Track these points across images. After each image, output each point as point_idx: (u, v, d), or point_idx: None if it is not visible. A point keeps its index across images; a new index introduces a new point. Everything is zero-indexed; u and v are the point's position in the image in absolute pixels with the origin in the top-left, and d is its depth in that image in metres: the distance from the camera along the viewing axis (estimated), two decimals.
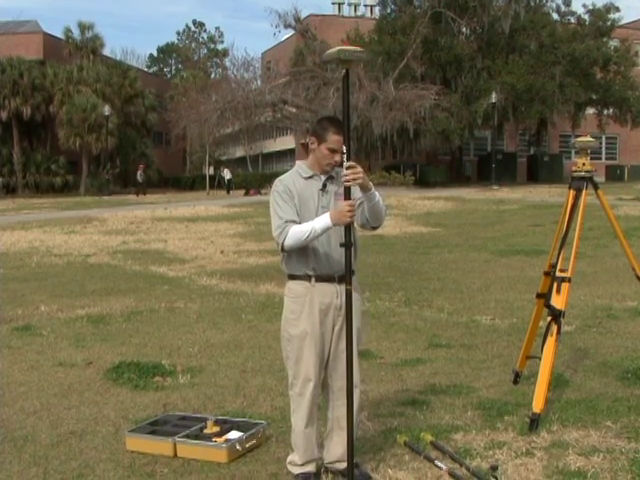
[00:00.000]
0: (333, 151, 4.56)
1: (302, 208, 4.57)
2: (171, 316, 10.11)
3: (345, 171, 4.36)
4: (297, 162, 4.82)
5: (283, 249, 4.56)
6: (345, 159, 4.40)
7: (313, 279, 4.59)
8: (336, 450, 4.75)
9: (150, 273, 14.33)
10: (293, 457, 4.74)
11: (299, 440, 4.69)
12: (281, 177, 4.73)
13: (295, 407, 4.70)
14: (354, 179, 4.33)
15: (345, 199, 4.38)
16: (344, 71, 4.42)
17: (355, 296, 4.59)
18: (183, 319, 9.90)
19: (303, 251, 4.57)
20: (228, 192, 49.70)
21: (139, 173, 52.26)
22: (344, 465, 4.65)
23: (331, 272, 4.60)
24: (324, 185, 4.63)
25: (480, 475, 4.57)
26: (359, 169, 4.35)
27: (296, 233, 4.46)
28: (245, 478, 4.78)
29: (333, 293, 4.60)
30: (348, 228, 4.38)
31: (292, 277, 4.69)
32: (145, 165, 54.53)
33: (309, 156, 4.72)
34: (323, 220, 4.42)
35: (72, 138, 53.81)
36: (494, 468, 4.54)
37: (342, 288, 4.55)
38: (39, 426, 5.86)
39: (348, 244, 4.39)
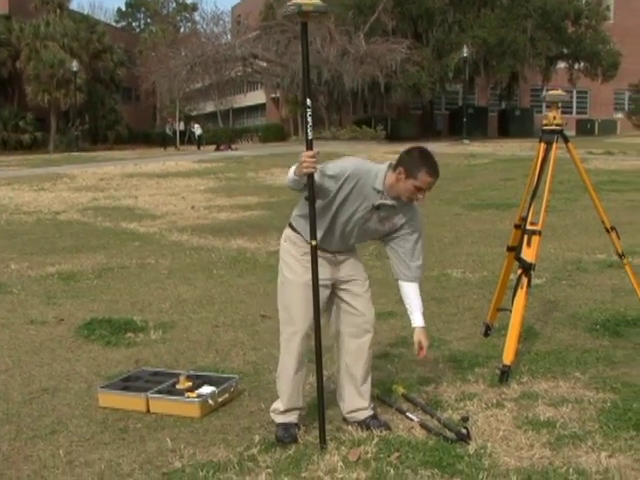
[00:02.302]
0: (419, 189, 4.46)
1: (347, 201, 4.47)
2: (142, 272, 10.08)
3: (305, 157, 4.25)
4: (383, 168, 4.52)
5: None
6: (309, 117, 4.36)
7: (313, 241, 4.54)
8: (352, 400, 4.76)
9: (121, 229, 14.26)
10: (277, 405, 4.73)
11: (285, 386, 4.67)
12: (362, 167, 4.52)
13: (283, 353, 4.69)
14: (307, 168, 4.25)
15: (307, 149, 4.33)
16: (301, 24, 4.37)
17: (354, 252, 4.80)
18: (154, 275, 9.88)
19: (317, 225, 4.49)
20: (199, 147, 49.43)
21: (167, 127, 51.98)
22: (364, 414, 4.73)
23: (330, 249, 4.64)
24: (379, 206, 4.51)
25: (451, 426, 4.61)
26: (316, 161, 4.27)
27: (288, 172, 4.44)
28: (218, 432, 4.80)
29: (331, 259, 4.66)
30: (311, 182, 4.33)
31: (295, 230, 4.68)
32: (172, 119, 54.08)
33: (392, 179, 4.49)
34: (292, 169, 4.39)
35: (40, 94, 53.10)
36: (465, 419, 4.59)
37: (338, 256, 4.67)
38: (11, 384, 5.84)
39: (311, 198, 4.35)
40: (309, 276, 4.48)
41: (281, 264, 4.75)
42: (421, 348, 4.73)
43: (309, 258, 4.47)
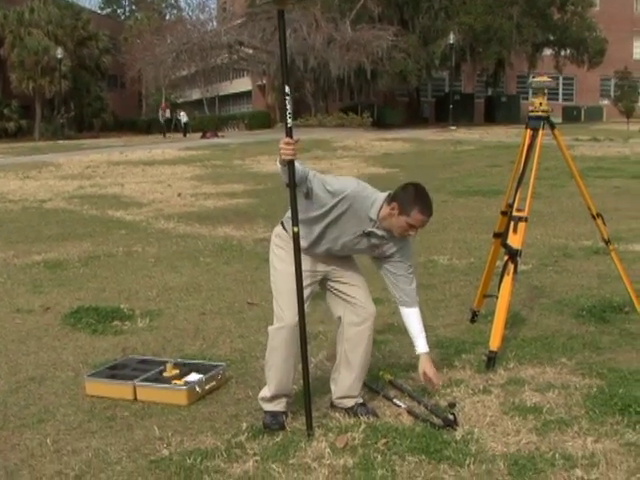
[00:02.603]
0: (411, 227, 4.44)
1: (340, 220, 4.47)
2: (129, 260, 10.06)
3: (282, 144, 4.24)
4: (381, 197, 4.48)
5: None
6: (288, 105, 4.37)
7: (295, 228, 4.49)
8: (344, 384, 4.77)
9: (107, 217, 14.22)
10: (264, 392, 4.73)
11: (273, 373, 4.65)
12: (361, 192, 4.47)
13: (270, 340, 4.67)
14: (285, 155, 4.23)
15: (286, 136, 4.32)
16: (278, 12, 4.38)
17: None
18: (141, 263, 9.85)
19: (305, 231, 4.50)
20: (185, 135, 49.24)
21: (161, 114, 51.33)
22: (352, 402, 4.73)
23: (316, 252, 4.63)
24: (369, 233, 4.51)
25: (438, 412, 4.63)
26: (295, 147, 4.26)
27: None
28: (205, 420, 4.80)
29: (321, 259, 4.66)
30: (292, 167, 4.33)
31: (284, 229, 4.68)
32: (166, 105, 53.39)
33: (386, 212, 4.45)
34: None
35: (25, 82, 52.92)
36: (452, 405, 4.61)
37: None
38: None
39: (292, 184, 4.35)
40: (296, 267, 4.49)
41: (271, 257, 4.76)
42: (429, 380, 4.73)
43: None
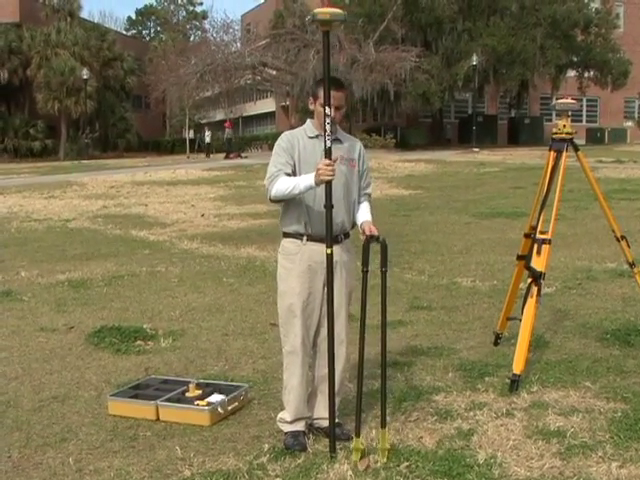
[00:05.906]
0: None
1: (304, 166, 4.59)
2: (152, 280, 10.09)
3: (322, 165, 4.37)
4: (308, 120, 4.81)
5: (271, 199, 4.63)
6: (327, 125, 4.40)
7: (305, 238, 4.63)
8: (320, 408, 4.80)
9: (131, 237, 14.27)
10: (283, 414, 4.76)
11: (292, 397, 4.70)
12: (288, 132, 4.78)
13: (287, 364, 4.71)
14: (324, 175, 4.36)
15: (326, 157, 4.40)
16: (323, 32, 4.45)
17: (349, 255, 4.76)
18: (164, 283, 9.88)
19: (297, 208, 4.62)
20: (207, 155, 49.35)
21: (226, 132, 51.10)
22: (327, 422, 4.70)
23: (323, 232, 4.60)
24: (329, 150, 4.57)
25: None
26: (334, 169, 4.39)
27: (281, 184, 4.53)
28: (227, 440, 4.80)
29: (324, 253, 4.60)
30: (329, 188, 4.38)
31: (285, 235, 4.74)
32: (231, 123, 53.05)
33: (315, 119, 4.73)
34: (307, 179, 4.45)
35: (50, 102, 53.35)
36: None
37: (335, 247, 4.58)
38: (21, 391, 5.86)
39: (329, 205, 4.40)
40: (301, 287, 4.60)
41: (278, 274, 4.80)
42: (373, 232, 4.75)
43: (301, 268, 4.61)
